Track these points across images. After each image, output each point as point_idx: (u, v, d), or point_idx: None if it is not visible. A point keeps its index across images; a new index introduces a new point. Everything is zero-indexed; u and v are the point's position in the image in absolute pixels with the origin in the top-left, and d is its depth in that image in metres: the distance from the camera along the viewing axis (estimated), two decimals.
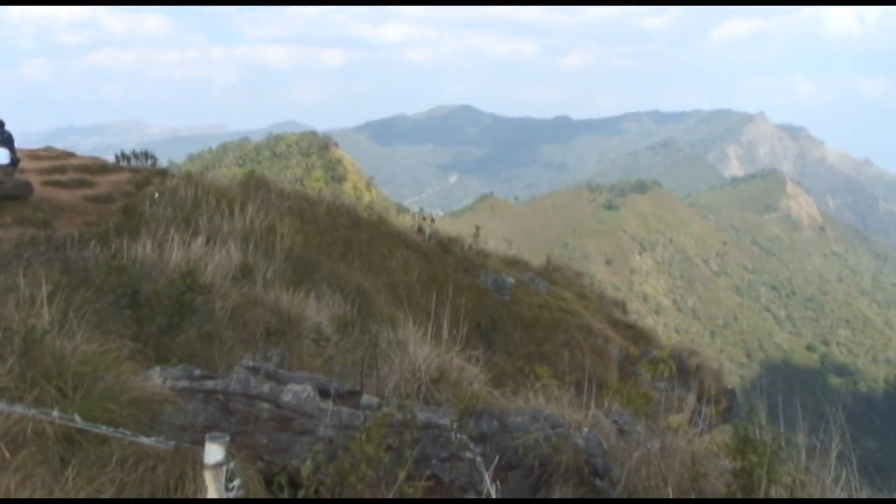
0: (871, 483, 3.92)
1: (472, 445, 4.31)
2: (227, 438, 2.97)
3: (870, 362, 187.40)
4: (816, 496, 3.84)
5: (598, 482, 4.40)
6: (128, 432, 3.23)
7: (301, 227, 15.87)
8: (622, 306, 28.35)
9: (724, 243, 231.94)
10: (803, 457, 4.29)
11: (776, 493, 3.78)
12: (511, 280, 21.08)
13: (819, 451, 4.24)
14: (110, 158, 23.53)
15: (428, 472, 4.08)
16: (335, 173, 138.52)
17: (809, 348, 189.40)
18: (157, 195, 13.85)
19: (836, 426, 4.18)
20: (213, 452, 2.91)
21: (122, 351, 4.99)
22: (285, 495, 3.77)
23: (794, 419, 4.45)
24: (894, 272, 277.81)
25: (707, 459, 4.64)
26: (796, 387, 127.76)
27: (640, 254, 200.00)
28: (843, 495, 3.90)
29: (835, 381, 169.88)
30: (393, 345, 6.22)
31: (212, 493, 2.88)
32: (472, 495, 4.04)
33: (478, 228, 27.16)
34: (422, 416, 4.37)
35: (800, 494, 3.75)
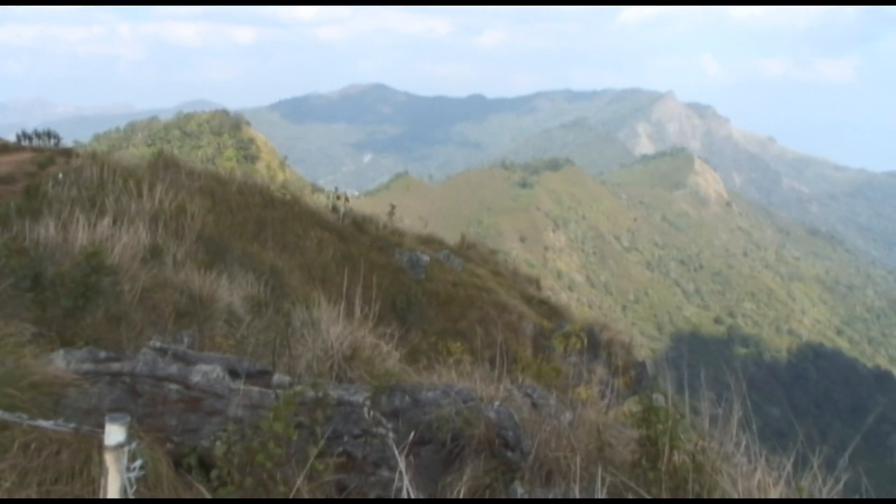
0: (771, 449, 4.05)
1: (384, 422, 4.32)
2: (128, 419, 2.92)
3: (773, 333, 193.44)
4: (718, 461, 3.96)
5: (509, 454, 4.46)
6: (25, 416, 3.16)
7: (212, 208, 15.63)
8: (536, 283, 28.65)
9: (635, 220, 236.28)
10: (706, 424, 4.41)
11: (678, 458, 3.88)
12: (426, 258, 21.12)
13: (722, 419, 4.36)
14: (11, 138, 22.81)
15: (340, 450, 4.08)
16: (248, 153, 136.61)
17: (717, 321, 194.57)
18: (60, 175, 13.48)
19: (737, 394, 4.31)
20: (114, 434, 2.86)
21: (24, 335, 4.87)
22: (195, 476, 3.74)
23: (701, 389, 4.58)
24: (796, 246, 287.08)
25: (615, 429, 4.74)
26: (704, 358, 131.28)
27: (554, 231, 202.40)
28: (744, 459, 4.03)
29: (741, 351, 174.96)
30: (306, 324, 6.18)
31: (113, 475, 2.84)
32: (384, 471, 4.06)
33: (393, 207, 27.07)
34: (334, 393, 4.36)
35: (701, 460, 3.87)
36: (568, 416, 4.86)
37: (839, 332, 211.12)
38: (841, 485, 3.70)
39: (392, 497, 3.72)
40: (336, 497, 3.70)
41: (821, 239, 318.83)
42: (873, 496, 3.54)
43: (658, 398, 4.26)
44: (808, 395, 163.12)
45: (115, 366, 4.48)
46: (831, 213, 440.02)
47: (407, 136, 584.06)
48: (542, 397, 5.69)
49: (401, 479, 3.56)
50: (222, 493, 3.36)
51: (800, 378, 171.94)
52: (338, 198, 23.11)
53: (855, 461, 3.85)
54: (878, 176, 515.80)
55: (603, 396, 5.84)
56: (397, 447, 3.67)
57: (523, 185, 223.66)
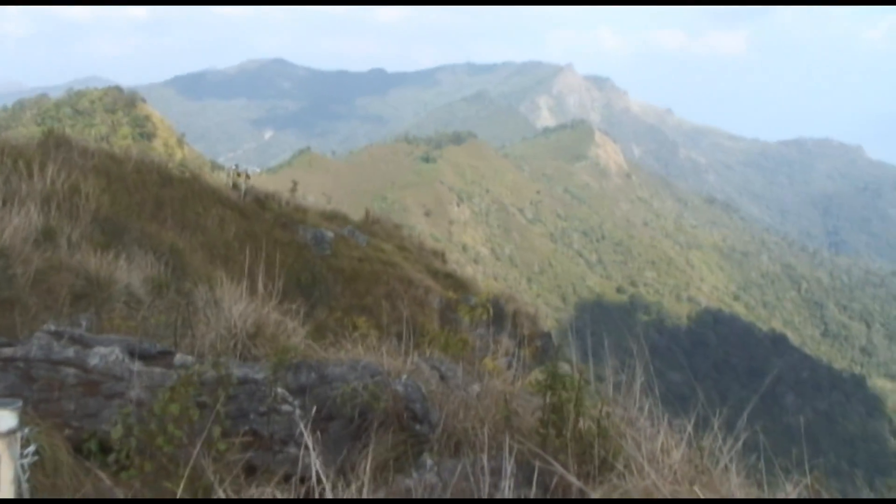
0: (673, 412, 4.14)
1: (290, 398, 4.27)
2: (20, 404, 2.82)
3: (674, 300, 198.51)
4: (622, 426, 4.03)
5: (417, 427, 4.46)
6: None
7: (108, 187, 15.15)
8: (441, 256, 28.75)
9: (538, 192, 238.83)
10: (610, 390, 4.48)
11: (584, 424, 3.94)
12: (330, 234, 20.96)
13: (625, 385, 4.44)
14: None
15: (246, 428, 4.02)
16: (143, 130, 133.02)
17: (619, 290, 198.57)
18: None
19: (640, 361, 4.39)
20: (5, 419, 2.76)
21: None
22: (95, 461, 3.64)
23: (604, 357, 4.64)
24: (694, 215, 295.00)
25: (521, 398, 4.78)
26: (607, 327, 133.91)
27: (458, 205, 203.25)
28: (647, 423, 4.10)
29: (643, 319, 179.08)
30: (209, 303, 6.06)
31: (5, 462, 2.74)
32: (291, 447, 4.02)
33: (295, 184, 26.77)
34: (238, 371, 4.29)
35: (606, 425, 3.92)
36: (475, 387, 4.89)
37: (736, 298, 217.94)
38: (740, 443, 3.80)
39: (300, 473, 3.68)
40: (244, 475, 3.64)
41: (717, 208, 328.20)
42: (771, 454, 3.65)
43: (563, 366, 4.31)
44: (707, 359, 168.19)
45: (8, 351, 4.32)
46: (727, 182, 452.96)
47: (308, 112, 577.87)
48: (449, 370, 5.70)
49: (308, 456, 3.52)
50: (123, 478, 3.28)
51: (699, 343, 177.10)
52: (238, 175, 22.70)
53: (753, 421, 3.96)
54: (771, 145, 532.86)
55: (510, 367, 5.89)
56: (304, 423, 3.63)
57: (427, 159, 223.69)
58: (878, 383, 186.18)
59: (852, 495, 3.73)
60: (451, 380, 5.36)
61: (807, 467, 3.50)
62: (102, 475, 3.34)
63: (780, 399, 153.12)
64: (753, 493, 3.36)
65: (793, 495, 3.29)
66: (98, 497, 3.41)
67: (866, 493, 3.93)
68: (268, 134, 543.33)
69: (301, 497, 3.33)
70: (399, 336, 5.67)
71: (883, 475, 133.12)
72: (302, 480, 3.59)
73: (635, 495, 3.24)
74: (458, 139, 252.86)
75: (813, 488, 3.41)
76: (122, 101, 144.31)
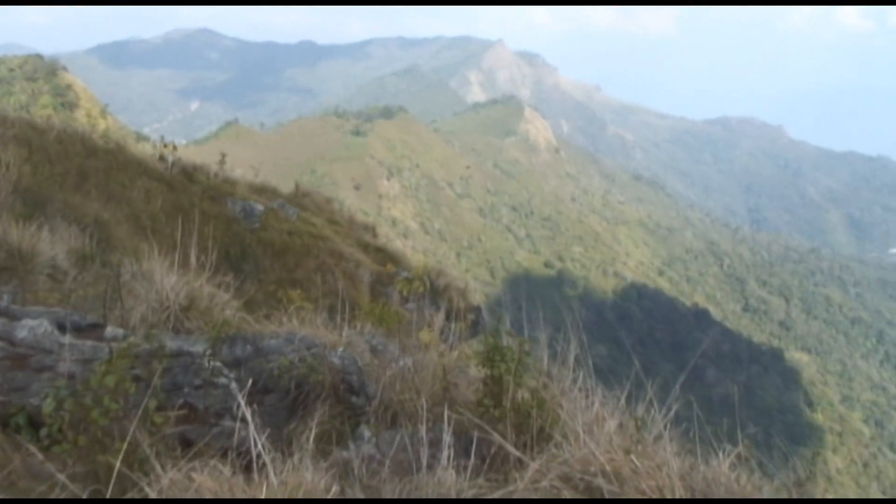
0: (603, 383, 4.21)
1: (225, 371, 4.22)
2: None
3: (600, 275, 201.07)
4: (557, 397, 4.07)
5: (354, 399, 4.46)
6: None
7: (29, 157, 14.73)
8: (372, 231, 28.62)
9: (468, 167, 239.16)
10: (545, 362, 4.53)
11: (521, 396, 3.98)
12: (260, 207, 20.71)
13: (558, 357, 4.49)
14: None
15: (181, 401, 3.97)
16: (65, 100, 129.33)
17: (547, 265, 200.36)
18: None
19: (573, 334, 4.44)
20: None
21: None
22: (24, 436, 3.55)
23: (534, 330, 4.69)
24: (621, 191, 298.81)
25: (458, 371, 4.81)
26: (536, 301, 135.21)
27: (388, 179, 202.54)
28: (581, 395, 4.15)
29: (570, 293, 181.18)
30: (137, 276, 5.95)
31: None
32: (227, 421, 3.98)
33: (224, 156, 26.33)
34: (172, 344, 4.23)
35: (543, 395, 3.97)
36: (411, 359, 4.90)
37: (661, 273, 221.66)
38: (672, 412, 3.87)
39: (236, 446, 3.64)
40: (180, 448, 3.59)
41: (644, 184, 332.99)
42: (704, 423, 3.74)
43: (503, 338, 4.35)
44: (632, 333, 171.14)
45: None
46: (653, 160, 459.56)
47: (236, 83, 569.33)
48: (383, 343, 5.70)
49: (245, 429, 3.50)
50: (55, 452, 3.21)
51: (624, 317, 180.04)
52: (165, 146, 22.25)
53: (678, 393, 4.05)
54: (696, 124, 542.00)
55: (444, 340, 5.92)
56: (240, 396, 3.59)
57: (357, 133, 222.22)
58: (795, 356, 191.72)
59: (772, 465, 3.83)
60: (386, 353, 5.36)
61: (739, 436, 3.59)
62: (33, 449, 3.26)
63: (701, 372, 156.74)
64: (687, 462, 3.44)
65: (725, 464, 3.37)
66: (28, 471, 3.34)
67: (784, 463, 4.04)
68: (194, 105, 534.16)
69: (239, 469, 3.30)
70: (331, 309, 5.65)
71: (798, 445, 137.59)
72: (239, 454, 3.56)
73: (573, 464, 3.29)
74: (388, 113, 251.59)
75: (743, 457, 3.50)
76: (43, 70, 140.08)
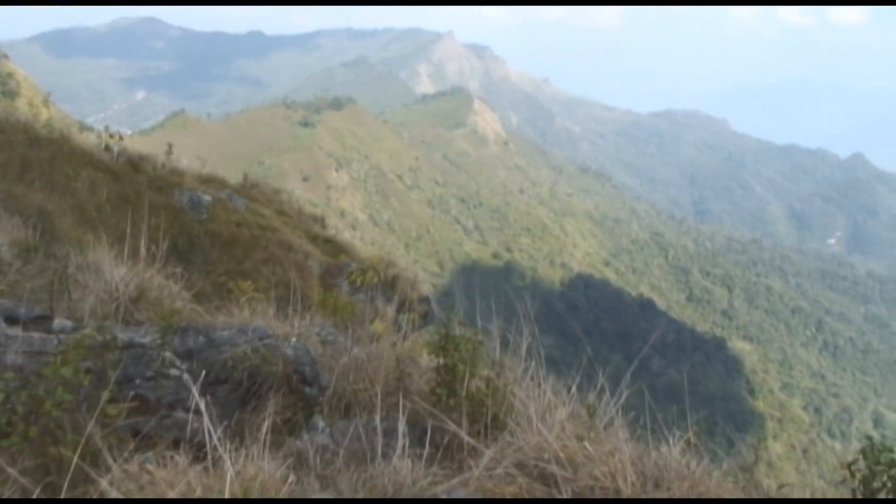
0: (553, 372, 4.26)
1: (178, 362, 4.20)
2: None
3: (548, 266, 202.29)
4: (510, 384, 4.11)
5: (307, 389, 4.46)
6: None
7: None
8: (321, 222, 28.51)
9: (417, 158, 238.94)
10: (497, 351, 4.57)
11: (475, 385, 4.01)
12: (208, 198, 20.51)
13: (510, 347, 4.53)
14: None
15: (132, 393, 3.94)
16: (6, 88, 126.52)
17: (495, 256, 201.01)
18: None
19: (525, 323, 4.48)
20: None
21: None
22: None
23: (484, 320, 4.73)
24: (569, 183, 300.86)
25: (411, 360, 4.83)
26: (484, 292, 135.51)
27: (337, 170, 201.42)
28: (533, 384, 4.20)
29: (518, 284, 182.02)
30: (82, 267, 5.88)
31: None
32: (179, 412, 3.96)
33: (170, 146, 26.01)
34: (123, 336, 4.19)
35: (497, 384, 4.01)
36: (364, 350, 4.91)
37: (607, 264, 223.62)
38: (622, 399, 3.94)
39: (189, 437, 3.63)
40: (133, 440, 3.56)
41: (590, 176, 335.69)
42: (655, 410, 3.81)
43: (457, 328, 4.38)
44: (579, 323, 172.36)
45: None
46: (600, 152, 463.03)
47: (183, 73, 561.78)
48: (335, 334, 5.71)
49: (198, 420, 3.48)
50: (5, 445, 3.16)
51: (571, 308, 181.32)
52: (110, 136, 21.90)
53: (626, 382, 4.12)
54: (642, 116, 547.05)
55: (396, 330, 5.94)
56: (194, 387, 3.57)
57: (305, 124, 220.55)
58: (738, 345, 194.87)
59: (720, 451, 3.92)
60: (339, 343, 5.37)
61: (689, 423, 3.67)
62: None
63: (646, 361, 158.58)
64: (639, 448, 3.50)
65: (675, 450, 3.43)
66: None
67: (728, 449, 4.14)
68: (139, 95, 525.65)
69: (192, 460, 3.28)
70: (282, 301, 5.64)
71: (740, 432, 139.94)
72: (192, 445, 3.54)
73: (527, 451, 3.33)
74: (337, 104, 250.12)
75: (692, 443, 3.58)
76: None
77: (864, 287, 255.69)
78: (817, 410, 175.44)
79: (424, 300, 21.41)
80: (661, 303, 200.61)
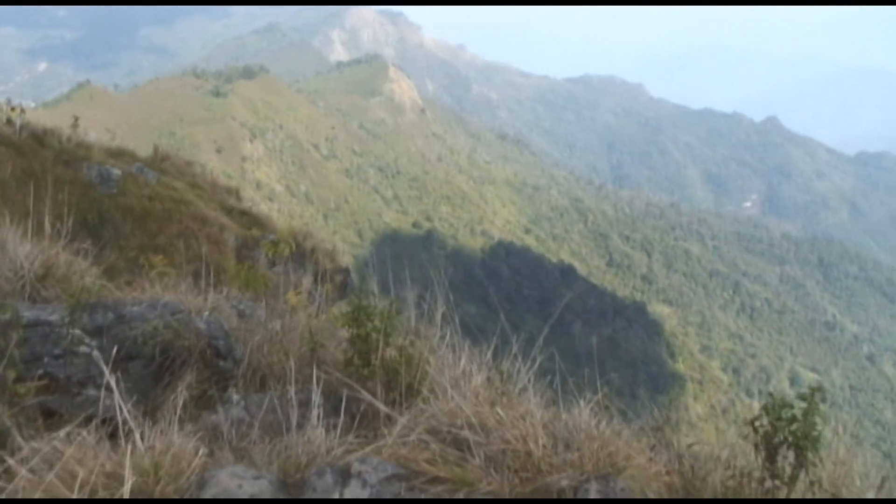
0: (473, 340, 4.29)
1: (87, 339, 4.13)
2: None
3: (468, 234, 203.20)
4: (425, 352, 4.15)
5: (222, 363, 4.43)
6: None
7: None
8: (236, 194, 28.08)
9: (333, 128, 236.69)
10: (412, 320, 4.60)
11: (389, 354, 4.04)
12: (117, 172, 20.02)
13: (426, 315, 4.57)
14: None
15: (41, 372, 3.86)
16: None
17: (415, 225, 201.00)
18: None
19: (440, 291, 4.52)
20: None
21: None
22: None
23: (404, 290, 4.75)
24: (487, 150, 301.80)
25: (326, 331, 4.84)
26: (405, 261, 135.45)
27: (251, 141, 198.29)
28: (449, 351, 4.23)
29: (439, 253, 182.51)
30: None
31: None
32: (91, 389, 3.90)
33: (76, 119, 25.28)
34: (29, 314, 4.10)
35: (411, 353, 4.04)
36: (279, 322, 4.89)
37: (527, 231, 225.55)
38: (536, 365, 4.00)
39: (101, 414, 3.58)
40: (42, 419, 3.51)
41: (509, 143, 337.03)
42: (566, 375, 3.88)
43: (370, 298, 4.40)
44: (501, 290, 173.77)
45: None
46: (518, 118, 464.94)
47: (87, 42, 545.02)
48: (250, 307, 5.68)
49: (109, 397, 3.44)
50: None
51: (493, 275, 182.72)
52: (12, 109, 21.18)
53: (546, 348, 4.18)
54: (559, 82, 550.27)
55: (312, 302, 5.92)
56: (104, 365, 3.53)
57: (217, 94, 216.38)
58: (657, 309, 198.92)
59: (630, 412, 4.03)
60: (253, 316, 5.34)
61: (598, 385, 3.75)
62: None
63: (568, 327, 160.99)
64: (550, 411, 3.57)
65: (585, 411, 3.51)
66: None
67: (648, 408, 4.25)
68: (42, 66, 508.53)
69: (105, 437, 3.24)
70: (196, 274, 5.58)
71: (661, 394, 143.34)
72: (104, 422, 3.50)
73: (440, 418, 3.37)
74: (249, 73, 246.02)
75: (602, 404, 3.66)
76: None
77: (779, 249, 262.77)
78: (736, 371, 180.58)
79: (343, 271, 21.35)
80: (581, 269, 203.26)
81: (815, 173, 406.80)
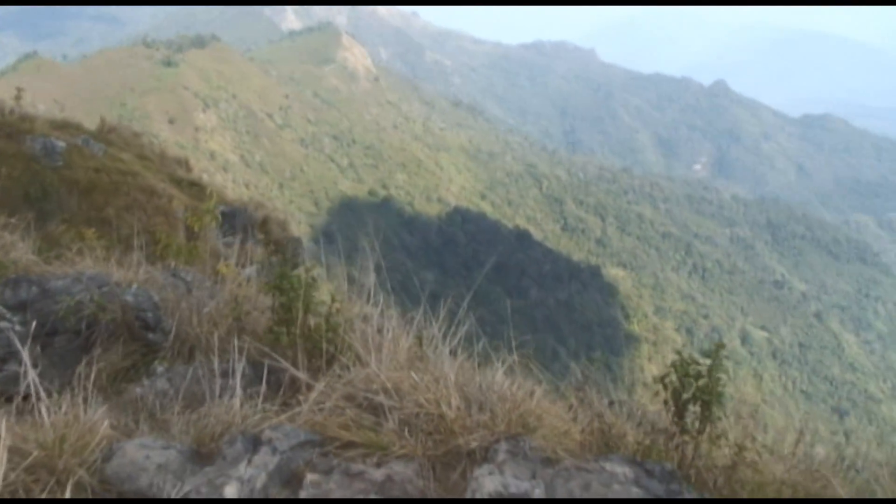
0: (431, 307, 4.30)
1: (8, 315, 4.12)
2: None
3: (425, 202, 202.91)
4: (353, 321, 4.19)
5: (150, 336, 4.44)
6: None
7: None
8: (185, 164, 27.82)
9: (287, 97, 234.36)
10: (345, 288, 4.63)
11: (313, 322, 4.07)
12: (62, 144, 19.73)
13: (362, 283, 4.60)
14: None
15: None
16: None
17: (371, 193, 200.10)
18: None
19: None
20: None
21: None
22: None
23: (358, 258, 4.76)
24: (442, 118, 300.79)
25: (259, 301, 4.85)
26: (361, 230, 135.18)
27: (204, 111, 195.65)
28: (380, 318, 4.26)
29: (395, 221, 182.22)
30: None
31: None
32: (13, 365, 3.89)
33: (20, 90, 24.81)
34: None
35: (337, 321, 4.08)
36: (208, 293, 4.90)
37: (483, 197, 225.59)
38: (463, 330, 4.05)
39: (22, 391, 3.58)
40: None
41: (463, 110, 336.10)
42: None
43: (298, 267, 4.41)
44: (457, 257, 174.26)
45: None
46: (472, 85, 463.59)
47: (32, 11, 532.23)
48: (183, 278, 5.67)
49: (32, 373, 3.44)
50: None
51: (450, 242, 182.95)
52: None
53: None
54: (511, 49, 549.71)
55: (259, 273, 5.93)
56: (17, 341, 3.52)
57: (168, 63, 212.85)
58: (612, 272, 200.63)
59: (566, 370, 4.11)
60: (185, 287, 5.34)
61: (513, 346, 3.81)
62: None
63: (525, 292, 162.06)
64: (467, 371, 3.63)
65: (499, 372, 3.58)
66: None
67: (606, 373, 4.35)
68: None
69: (27, 413, 3.25)
70: (144, 247, 5.56)
71: (617, 356, 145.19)
72: (25, 398, 3.50)
73: (357, 384, 3.42)
74: (200, 42, 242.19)
75: (520, 364, 3.73)
76: None
77: (729, 210, 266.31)
78: (689, 331, 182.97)
79: (295, 241, 21.32)
80: (537, 234, 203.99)
81: (763, 136, 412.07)
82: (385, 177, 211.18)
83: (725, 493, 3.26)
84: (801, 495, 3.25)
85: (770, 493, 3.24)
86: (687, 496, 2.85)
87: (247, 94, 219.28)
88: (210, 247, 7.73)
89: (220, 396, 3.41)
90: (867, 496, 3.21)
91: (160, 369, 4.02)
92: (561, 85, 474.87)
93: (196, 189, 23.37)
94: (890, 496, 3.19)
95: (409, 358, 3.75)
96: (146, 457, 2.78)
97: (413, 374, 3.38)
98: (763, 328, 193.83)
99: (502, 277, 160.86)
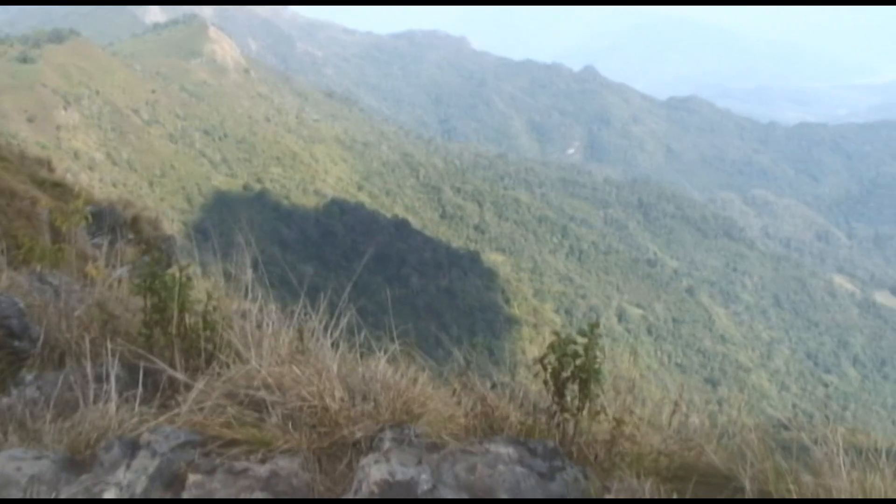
0: (311, 302, 4.24)
1: None
2: None
3: (301, 194, 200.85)
4: (229, 317, 4.11)
5: (16, 343, 4.26)
6: None
7: None
8: (48, 165, 26.76)
9: (153, 91, 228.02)
10: (222, 285, 4.55)
11: (191, 320, 3.98)
12: None
13: (233, 279, 4.52)
14: None
15: None
16: None
17: (246, 188, 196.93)
18: None
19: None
20: None
21: None
22: None
23: (235, 253, 4.66)
24: (315, 109, 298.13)
25: (130, 303, 4.72)
26: (236, 225, 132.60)
27: (66, 108, 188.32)
28: (259, 315, 4.20)
29: (272, 215, 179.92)
30: None
31: None
32: None
33: None
34: None
35: (214, 319, 4.00)
36: (78, 296, 4.74)
37: (360, 188, 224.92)
38: (345, 321, 4.03)
39: None
40: None
41: (337, 101, 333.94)
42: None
43: (171, 265, 4.31)
44: (337, 248, 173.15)
45: None
46: (344, 76, 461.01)
47: None
48: (52, 282, 5.47)
49: None
50: None
51: (328, 234, 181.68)
52: None
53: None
54: (383, 38, 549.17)
55: (129, 273, 5.76)
56: None
57: (24, 59, 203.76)
58: (491, 257, 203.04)
59: (450, 356, 4.14)
60: (56, 292, 5.15)
61: (394, 335, 3.82)
62: None
63: (405, 280, 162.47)
64: (349, 362, 3.62)
65: (382, 361, 3.58)
66: None
67: (489, 357, 4.38)
68: None
69: None
70: (7, 252, 5.34)
71: (499, 339, 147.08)
72: None
73: (237, 381, 3.37)
74: (58, 37, 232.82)
75: (403, 352, 3.74)
76: None
77: (602, 192, 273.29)
78: (568, 312, 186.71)
79: (168, 239, 20.78)
80: (415, 222, 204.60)
81: (632, 119, 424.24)
82: (259, 170, 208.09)
83: (606, 466, 3.34)
84: (677, 464, 3.36)
85: (648, 464, 3.34)
86: (569, 471, 2.91)
87: (110, 89, 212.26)
88: (78, 249, 7.47)
89: (95, 402, 3.31)
90: (739, 461, 3.34)
91: (29, 378, 3.86)
92: (434, 73, 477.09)
93: (60, 190, 22.53)
94: (760, 460, 3.31)
95: (291, 352, 3.71)
96: (17, 468, 2.67)
97: (295, 368, 3.35)
98: (638, 305, 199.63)
99: (383, 267, 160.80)
